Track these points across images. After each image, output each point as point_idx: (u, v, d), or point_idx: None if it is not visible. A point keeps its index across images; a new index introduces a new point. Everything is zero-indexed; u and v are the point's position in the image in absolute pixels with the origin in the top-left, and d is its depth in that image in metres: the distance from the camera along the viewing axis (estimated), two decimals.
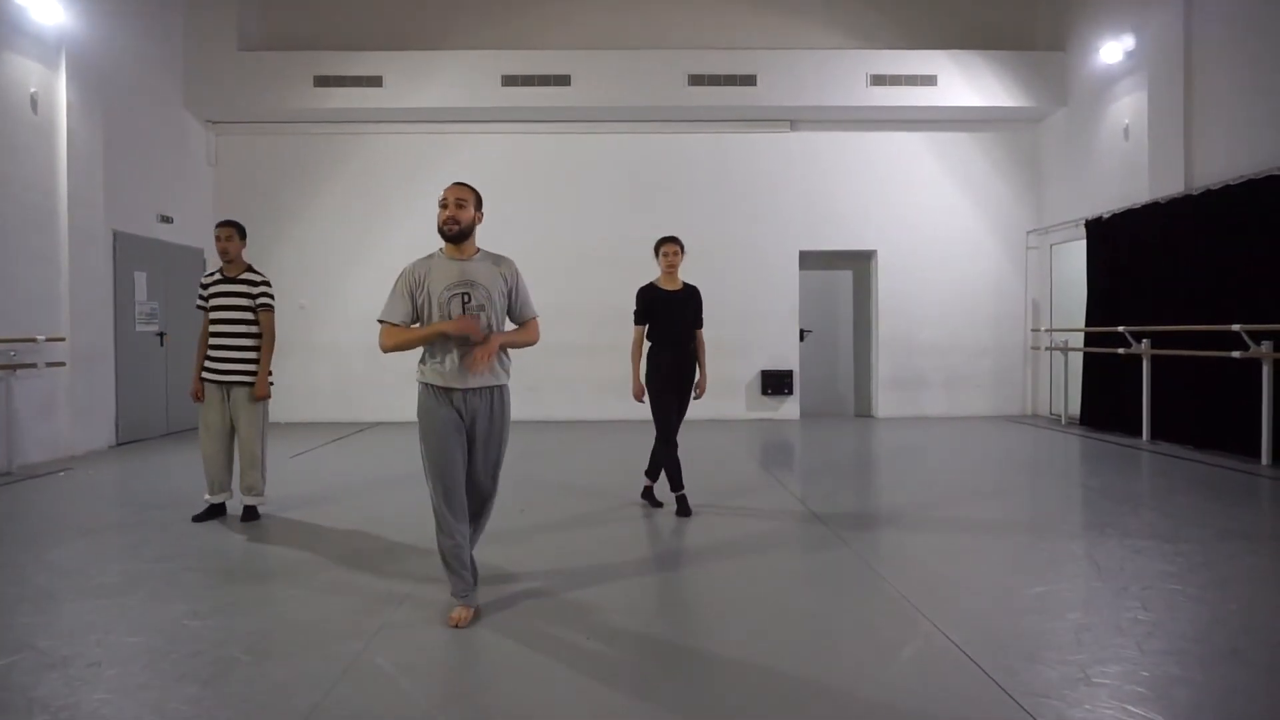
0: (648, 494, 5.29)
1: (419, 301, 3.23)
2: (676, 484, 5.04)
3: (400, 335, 3.21)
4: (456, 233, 3.23)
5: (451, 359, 3.20)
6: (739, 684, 2.62)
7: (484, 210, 3.41)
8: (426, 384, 3.25)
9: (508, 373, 3.38)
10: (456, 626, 3.11)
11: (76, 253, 7.65)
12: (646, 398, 5.02)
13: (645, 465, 5.32)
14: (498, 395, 3.33)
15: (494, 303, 3.25)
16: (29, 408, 7.00)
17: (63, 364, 7.37)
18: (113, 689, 2.56)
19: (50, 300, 7.40)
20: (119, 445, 8.23)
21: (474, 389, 3.23)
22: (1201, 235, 7.43)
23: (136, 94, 8.75)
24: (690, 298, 5.06)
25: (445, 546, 3.22)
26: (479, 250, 3.34)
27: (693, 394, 5.06)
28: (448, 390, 3.21)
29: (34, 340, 7.02)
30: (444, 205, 3.24)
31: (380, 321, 3.25)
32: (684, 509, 5.00)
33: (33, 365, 6.93)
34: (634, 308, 5.07)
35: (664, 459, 5.04)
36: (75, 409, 7.61)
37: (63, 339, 7.40)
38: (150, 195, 9.00)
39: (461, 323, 3.15)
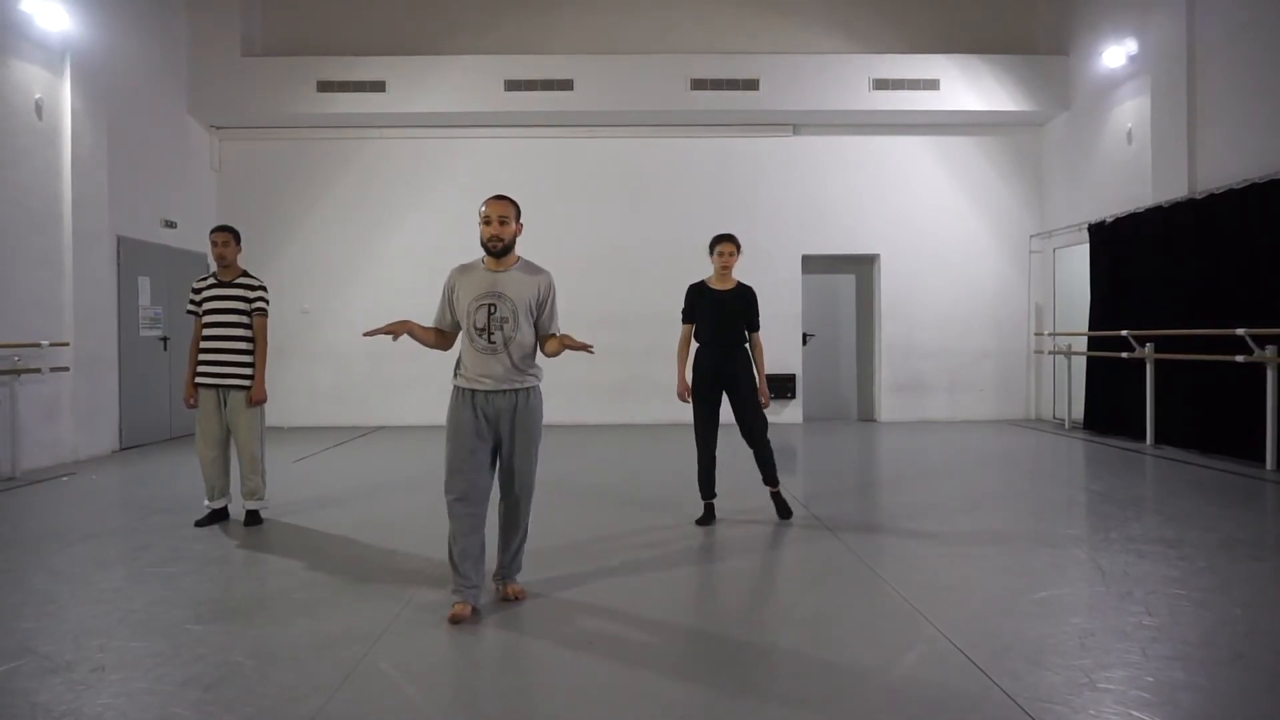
0: (777, 500, 4.99)
1: (456, 308, 3.38)
2: (706, 492, 4.91)
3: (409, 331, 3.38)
4: (501, 249, 3.32)
5: (470, 360, 3.32)
6: (738, 688, 2.62)
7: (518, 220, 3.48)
8: (455, 386, 3.38)
9: (534, 375, 3.46)
10: (454, 623, 3.15)
11: (80, 258, 7.67)
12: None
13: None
14: (523, 396, 3.40)
15: (518, 315, 3.32)
16: (33, 412, 7.02)
17: (66, 369, 7.38)
18: (116, 694, 2.56)
19: (54, 305, 7.42)
20: (122, 450, 8.24)
21: (498, 390, 3.32)
22: (1205, 239, 7.42)
23: (140, 99, 8.78)
24: (742, 298, 4.86)
25: (451, 545, 3.32)
26: (519, 260, 3.43)
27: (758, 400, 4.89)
28: (469, 392, 3.33)
29: (38, 345, 7.03)
30: (487, 221, 3.31)
31: None
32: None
33: (37, 370, 6.95)
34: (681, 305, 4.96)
35: (700, 464, 4.90)
36: (79, 414, 7.63)
37: (66, 344, 7.41)
38: (154, 200, 9.03)
39: (391, 325, 3.27)
